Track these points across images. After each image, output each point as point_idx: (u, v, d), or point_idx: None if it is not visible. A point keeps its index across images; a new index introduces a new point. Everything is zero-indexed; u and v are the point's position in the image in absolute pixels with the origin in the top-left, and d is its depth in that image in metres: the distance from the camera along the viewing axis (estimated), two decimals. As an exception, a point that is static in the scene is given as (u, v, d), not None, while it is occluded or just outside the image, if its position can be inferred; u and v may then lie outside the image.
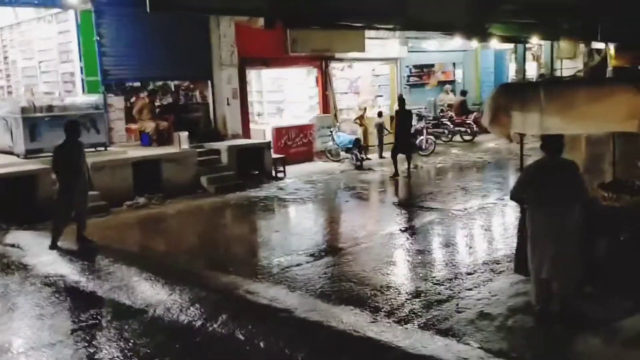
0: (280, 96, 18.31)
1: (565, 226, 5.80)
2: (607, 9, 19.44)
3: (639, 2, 18.90)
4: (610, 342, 5.61)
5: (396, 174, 14.38)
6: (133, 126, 14.23)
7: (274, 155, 15.36)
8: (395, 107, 15.96)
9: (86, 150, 12.35)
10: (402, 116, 15.03)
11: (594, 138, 15.21)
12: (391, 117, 19.23)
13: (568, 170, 5.92)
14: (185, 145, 13.53)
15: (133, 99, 14.53)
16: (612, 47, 23.40)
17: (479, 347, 5.61)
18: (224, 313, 6.48)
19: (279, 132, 16.52)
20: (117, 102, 13.88)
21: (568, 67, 23.76)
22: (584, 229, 5.92)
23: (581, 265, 5.90)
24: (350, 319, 6.33)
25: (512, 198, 6.49)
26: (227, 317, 6.40)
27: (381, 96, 20.06)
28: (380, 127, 17.62)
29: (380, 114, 17.91)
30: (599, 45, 23.81)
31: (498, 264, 7.88)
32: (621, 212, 6.39)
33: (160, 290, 7.33)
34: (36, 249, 9.19)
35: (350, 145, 16.38)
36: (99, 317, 6.79)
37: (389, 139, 16.78)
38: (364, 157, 16.53)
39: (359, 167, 15.97)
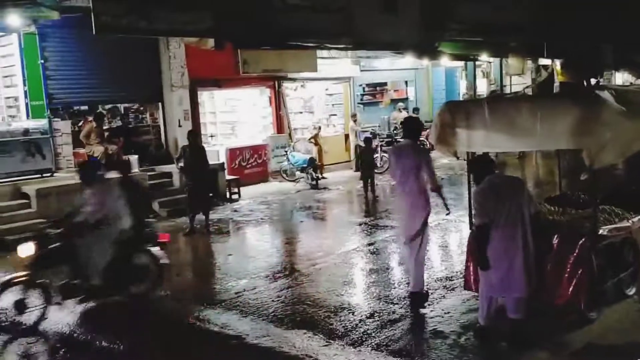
0: (234, 117, 18.18)
1: (518, 244, 5.80)
2: (552, 26, 20.08)
3: (583, 20, 19.58)
4: (560, 356, 5.66)
5: (191, 230, 11.45)
6: (81, 150, 13.86)
7: (228, 177, 15.19)
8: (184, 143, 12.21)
9: (31, 177, 12.11)
10: (193, 155, 11.46)
11: (545, 152, 15.54)
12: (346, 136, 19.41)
13: (518, 185, 5.98)
14: (136, 169, 13.24)
15: (81, 123, 14.18)
16: (558, 63, 24.15)
17: (431, 367, 5.59)
18: (173, 342, 6.29)
19: (232, 152, 16.36)
20: (64, 126, 13.50)
21: (517, 83, 24.35)
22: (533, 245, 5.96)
23: (531, 281, 5.94)
24: (303, 343, 6.23)
25: (478, 225, 5.98)
26: (177, 345, 6.20)
27: (335, 115, 20.13)
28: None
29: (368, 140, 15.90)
30: (546, 61, 24.56)
31: (451, 280, 7.91)
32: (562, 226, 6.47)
33: (108, 319, 7.07)
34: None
35: (305, 165, 16.34)
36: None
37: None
38: (319, 176, 16.52)
39: (315, 187, 15.93)
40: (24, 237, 10.66)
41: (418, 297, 7.01)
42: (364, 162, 15.35)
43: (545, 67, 25.19)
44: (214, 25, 12.58)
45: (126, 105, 15.45)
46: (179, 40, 14.75)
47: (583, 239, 6.02)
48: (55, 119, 13.28)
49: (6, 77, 13.34)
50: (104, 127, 14.21)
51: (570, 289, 6.05)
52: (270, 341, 6.30)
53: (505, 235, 5.81)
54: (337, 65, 18.93)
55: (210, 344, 6.40)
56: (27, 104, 12.81)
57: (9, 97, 13.43)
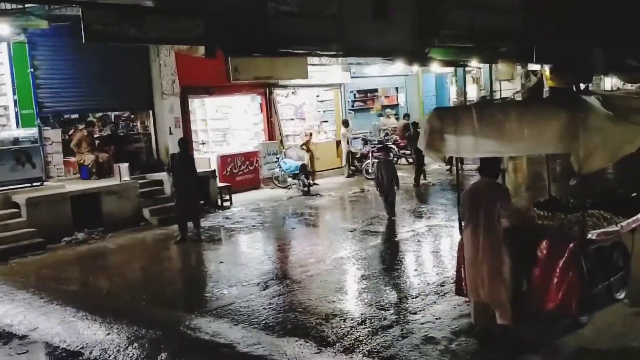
0: (225, 124, 18.17)
1: (488, 252, 5.93)
2: (540, 32, 20.21)
3: (570, 25, 19.71)
4: (551, 361, 5.68)
5: (182, 238, 11.39)
6: (72, 159, 13.82)
7: (220, 184, 15.16)
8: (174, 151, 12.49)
9: (22, 185, 12.06)
10: (182, 164, 11.46)
11: (535, 157, 15.56)
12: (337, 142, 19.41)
13: (496, 194, 6.01)
14: (126, 177, 13.21)
15: (71, 132, 14.13)
16: (547, 69, 24.29)
17: (423, 373, 5.58)
18: (163, 351, 6.28)
19: (224, 160, 16.34)
20: (54, 135, 13.46)
21: (507, 89, 24.49)
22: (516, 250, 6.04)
23: (515, 285, 5.97)
24: (294, 350, 6.22)
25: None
26: (166, 355, 6.19)
27: (326, 121, 20.16)
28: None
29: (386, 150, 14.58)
30: (535, 66, 24.70)
31: (442, 286, 7.92)
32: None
33: (97, 330, 7.05)
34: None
35: (297, 171, 16.34)
36: (30, 362, 6.46)
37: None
38: (311, 182, 16.51)
39: (307, 193, 15.92)
40: (14, 246, 10.75)
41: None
42: (383, 177, 12.25)
43: (535, 72, 25.33)
44: (205, 33, 12.61)
45: (117, 113, 15.42)
46: (169, 48, 14.74)
47: (572, 244, 6.04)
48: (46, 128, 13.24)
49: (-5, 86, 13.30)
50: (95, 136, 14.18)
51: (561, 293, 6.06)
52: (262, 349, 6.27)
53: (477, 241, 6.00)
54: (327, 72, 18.99)
55: (201, 353, 6.38)
56: (17, 113, 12.75)
57: (-2, 106, 13.37)
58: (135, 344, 6.51)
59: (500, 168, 6.17)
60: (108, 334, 6.88)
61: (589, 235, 6.10)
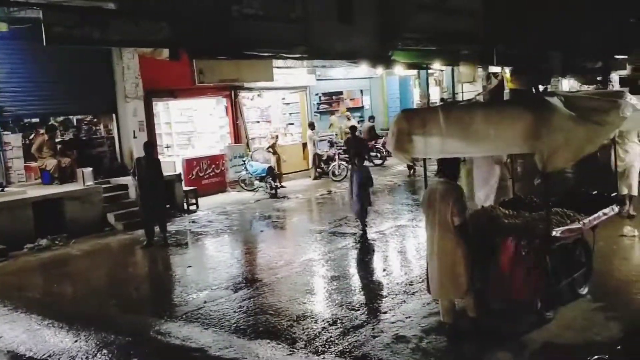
0: (190, 127, 18.03)
1: (438, 249, 6.10)
2: (500, 35, 20.63)
3: (529, 29, 20.19)
4: (519, 356, 5.80)
5: (149, 243, 11.31)
6: (33, 164, 13.53)
7: (185, 188, 15.04)
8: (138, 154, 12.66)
9: (-19, 191, 11.75)
10: (148, 168, 11.32)
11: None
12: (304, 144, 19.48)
13: (448, 194, 6.10)
14: (90, 182, 13.01)
15: (32, 136, 13.84)
16: (507, 71, 24.78)
17: (395, 372, 5.65)
18: (133, 357, 6.22)
19: (189, 163, 16.21)
20: (15, 139, 13.17)
21: (468, 91, 24.87)
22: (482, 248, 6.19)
23: (474, 282, 6.10)
24: (267, 353, 6.22)
25: None
26: (137, 361, 6.12)
27: (292, 124, 20.18)
28: None
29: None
30: (496, 69, 25.18)
31: (411, 285, 8.02)
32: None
33: (65, 337, 6.93)
34: None
35: (264, 174, 16.31)
36: (-5, 372, 6.31)
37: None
38: (278, 185, 16.50)
39: (274, 196, 15.91)
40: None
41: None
42: (354, 187, 11.06)
43: (496, 74, 25.81)
44: (170, 35, 12.50)
45: (79, 117, 15.15)
46: (133, 51, 14.57)
47: (537, 241, 6.19)
48: (6, 132, 12.98)
49: (-47, 90, 12.93)
50: (57, 140, 13.92)
51: (526, 290, 6.21)
52: (234, 352, 6.26)
53: (431, 239, 6.19)
54: (293, 74, 19.02)
55: (172, 358, 6.33)
56: (-25, 118, 12.46)
57: (-45, 111, 13.01)
58: (105, 351, 6.42)
59: (458, 169, 6.33)
60: (76, 341, 6.77)
61: (553, 233, 6.26)
